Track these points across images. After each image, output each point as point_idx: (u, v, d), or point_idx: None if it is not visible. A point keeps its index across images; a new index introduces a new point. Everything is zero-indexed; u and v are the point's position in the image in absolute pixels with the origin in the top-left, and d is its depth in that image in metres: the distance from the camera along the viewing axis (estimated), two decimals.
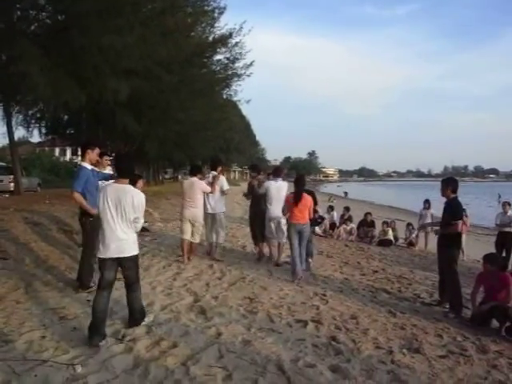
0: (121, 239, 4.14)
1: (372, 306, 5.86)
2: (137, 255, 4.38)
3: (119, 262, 4.20)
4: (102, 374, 3.39)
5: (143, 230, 10.57)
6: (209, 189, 7.90)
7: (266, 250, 8.62)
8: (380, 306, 5.95)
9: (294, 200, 7.23)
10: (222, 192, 8.20)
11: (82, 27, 11.25)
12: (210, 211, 8.15)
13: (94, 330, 4.02)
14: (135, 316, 4.49)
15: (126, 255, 4.19)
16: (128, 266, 4.30)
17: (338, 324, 4.92)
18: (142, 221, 4.38)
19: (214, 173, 8.20)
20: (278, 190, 8.09)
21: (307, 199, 7.32)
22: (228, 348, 3.97)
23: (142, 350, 3.84)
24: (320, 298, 6.05)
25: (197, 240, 8.07)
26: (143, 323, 4.49)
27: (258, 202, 8.45)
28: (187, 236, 7.82)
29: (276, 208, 7.94)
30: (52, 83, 11.38)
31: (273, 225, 8.14)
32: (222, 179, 8.23)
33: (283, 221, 7.94)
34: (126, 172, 4.31)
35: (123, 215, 4.12)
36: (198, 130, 26.43)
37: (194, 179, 7.89)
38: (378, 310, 5.72)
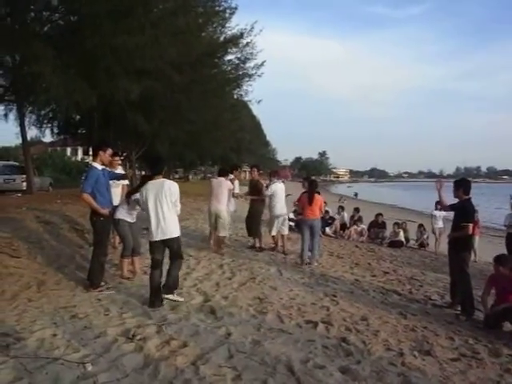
0: (165, 224, 5.14)
1: (383, 308, 5.83)
2: (178, 236, 5.35)
3: (165, 243, 5.22)
4: (112, 372, 3.40)
5: None
6: (232, 187, 9.00)
7: (267, 242, 9.74)
8: (391, 307, 5.91)
9: (308, 200, 8.49)
10: (233, 194, 9.21)
11: (94, 28, 11.32)
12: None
13: (153, 297, 5.14)
14: (169, 283, 5.38)
15: (169, 237, 5.21)
16: (172, 246, 5.31)
17: (349, 325, 4.89)
18: (180, 206, 5.37)
19: (232, 176, 9.36)
20: (282, 190, 9.47)
21: (318, 199, 8.63)
22: (238, 348, 3.97)
23: (152, 349, 3.85)
24: (330, 299, 6.02)
25: (221, 233, 8.80)
26: (172, 297, 5.36)
27: (262, 201, 9.48)
28: (213, 228, 8.89)
29: (282, 206, 9.37)
30: (64, 83, 11.48)
31: (278, 221, 9.30)
32: (236, 183, 9.43)
33: (286, 216, 9.59)
34: (159, 171, 5.42)
35: (164, 203, 5.12)
36: (208, 129, 26.46)
37: (222, 179, 8.90)
38: (388, 311, 5.68)
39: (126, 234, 6.47)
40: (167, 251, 5.44)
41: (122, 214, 6.44)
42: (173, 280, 5.42)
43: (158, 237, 5.17)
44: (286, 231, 9.55)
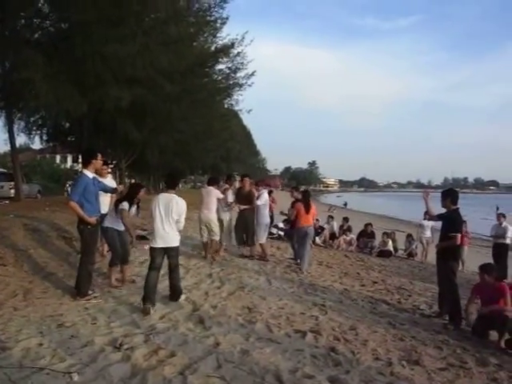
0: (167, 234, 5.56)
1: (371, 317, 5.84)
2: (178, 246, 5.78)
3: (165, 250, 5.64)
4: (99, 382, 3.36)
5: (143, 238, 10.55)
6: (222, 196, 9.11)
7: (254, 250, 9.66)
8: (379, 317, 5.92)
9: (305, 209, 9.07)
10: (228, 203, 9.42)
11: (85, 35, 11.35)
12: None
13: (147, 299, 5.32)
14: (175, 293, 5.83)
15: (170, 245, 5.63)
16: (171, 254, 5.74)
17: (337, 335, 4.89)
18: (183, 222, 5.76)
19: (226, 185, 9.70)
20: (267, 199, 9.90)
21: (313, 208, 9.36)
22: (226, 358, 3.95)
23: (139, 358, 3.81)
24: (319, 308, 6.02)
25: (215, 237, 9.00)
26: (180, 299, 5.77)
27: (252, 210, 9.47)
28: (205, 239, 9.05)
29: (267, 215, 9.84)
30: (54, 90, 11.46)
31: (265, 229, 9.72)
32: (230, 192, 9.55)
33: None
34: (173, 185, 5.96)
35: (169, 215, 5.55)
36: (199, 139, 26.52)
37: (211, 188, 9.01)
38: (377, 321, 5.70)
39: (115, 243, 6.44)
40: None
41: (111, 222, 6.41)
42: (178, 291, 5.90)
43: (159, 244, 5.59)
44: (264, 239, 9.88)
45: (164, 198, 5.69)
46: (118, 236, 6.45)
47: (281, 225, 14.09)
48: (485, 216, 36.64)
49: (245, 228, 9.52)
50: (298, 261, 9.22)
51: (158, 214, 5.58)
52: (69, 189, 27.39)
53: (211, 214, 8.90)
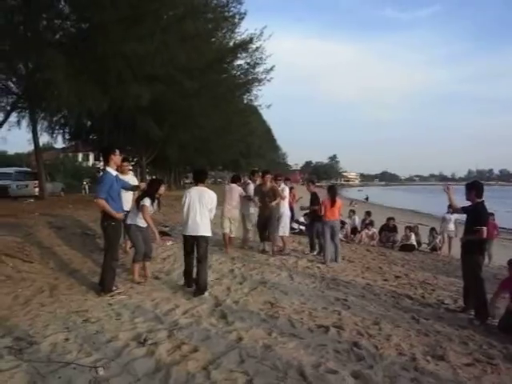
0: (198, 224, 6.04)
1: (395, 312, 5.78)
2: (208, 236, 6.19)
3: (196, 239, 6.08)
4: (124, 377, 3.41)
5: (164, 234, 10.65)
6: (244, 193, 9.58)
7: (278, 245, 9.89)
8: (403, 311, 5.86)
9: (330, 204, 9.36)
10: (249, 197, 9.71)
11: (104, 35, 11.44)
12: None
13: (188, 278, 6.27)
14: (200, 287, 5.98)
15: (201, 234, 6.07)
16: (200, 243, 6.09)
17: (360, 330, 4.86)
18: (215, 211, 6.34)
19: (249, 181, 10.53)
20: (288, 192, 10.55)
21: (339, 202, 9.60)
22: (249, 353, 3.96)
23: (163, 353, 3.85)
24: (342, 303, 5.99)
25: (232, 234, 9.59)
26: (205, 295, 5.90)
27: (277, 205, 9.57)
28: (227, 230, 9.38)
29: (287, 207, 10.15)
30: (76, 90, 11.62)
31: (285, 221, 9.94)
32: (251, 186, 10.05)
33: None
34: (202, 180, 6.50)
35: (202, 207, 6.09)
36: (218, 134, 26.55)
37: (234, 185, 9.56)
38: (400, 315, 5.64)
39: (138, 239, 6.50)
40: None
41: (133, 220, 6.48)
42: (203, 283, 6.07)
43: (189, 232, 6.10)
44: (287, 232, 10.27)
45: (196, 191, 6.26)
46: (140, 233, 6.51)
47: (301, 219, 14.03)
48: (510, 209, 35.94)
49: (266, 224, 9.61)
50: (322, 254, 9.52)
51: (192, 205, 6.12)
52: (86, 186, 27.73)
53: (234, 210, 9.40)
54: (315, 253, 10.09)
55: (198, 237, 6.09)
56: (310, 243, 10.47)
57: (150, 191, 6.60)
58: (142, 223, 6.49)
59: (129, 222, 6.49)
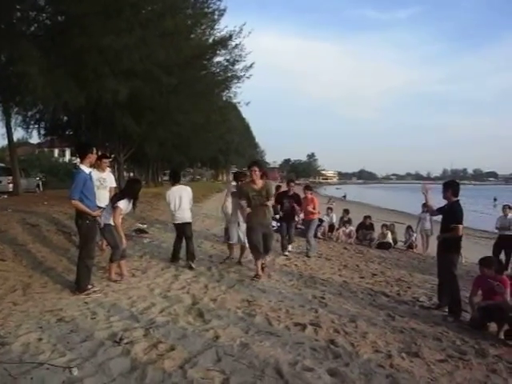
0: (184, 213, 7.88)
1: (371, 310, 5.84)
2: (191, 222, 8.05)
3: (183, 225, 7.88)
4: (99, 376, 3.36)
5: (141, 231, 10.55)
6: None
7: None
8: (379, 309, 5.92)
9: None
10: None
11: (81, 28, 11.25)
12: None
13: (175, 258, 8.03)
14: (192, 256, 7.77)
15: (186, 221, 7.92)
16: (187, 227, 7.95)
17: (337, 327, 4.89)
18: (192, 202, 8.15)
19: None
20: None
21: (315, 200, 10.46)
22: (226, 351, 3.95)
23: (139, 352, 3.81)
24: (319, 301, 6.03)
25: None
26: (192, 264, 7.57)
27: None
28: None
29: None
30: (51, 84, 11.39)
31: None
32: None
33: None
34: (178, 179, 8.45)
35: (185, 200, 7.86)
36: (197, 131, 26.44)
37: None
38: (376, 313, 5.70)
39: (114, 239, 6.41)
40: None
41: (108, 219, 6.38)
42: (193, 252, 7.85)
43: (178, 221, 7.89)
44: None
45: (177, 189, 7.94)
46: (115, 231, 6.42)
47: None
48: (482, 209, 36.79)
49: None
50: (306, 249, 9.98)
51: (176, 201, 7.80)
52: (40, 183, 26.28)
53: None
54: (287, 252, 9.83)
55: (185, 223, 7.88)
56: (282, 243, 9.96)
57: (131, 192, 6.53)
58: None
59: (104, 222, 6.40)
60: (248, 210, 7.20)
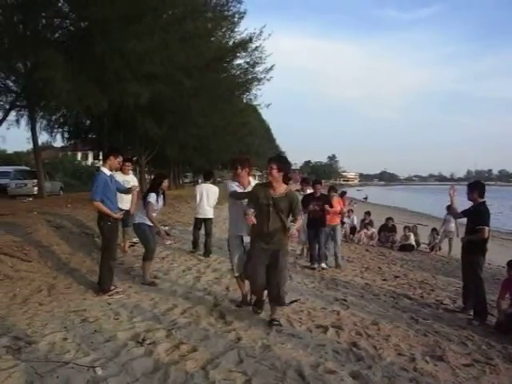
0: (207, 210, 8.77)
1: (394, 312, 5.77)
2: (212, 218, 8.96)
3: (204, 220, 8.84)
4: (122, 376, 3.39)
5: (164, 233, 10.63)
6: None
7: None
8: (402, 312, 5.85)
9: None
10: None
11: (104, 33, 11.43)
12: None
13: (195, 246, 9.03)
14: (209, 250, 8.73)
15: (208, 217, 8.83)
16: (208, 223, 8.88)
17: (359, 330, 4.85)
18: (216, 200, 8.94)
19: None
20: None
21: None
22: (247, 353, 3.95)
23: (161, 353, 3.84)
24: (340, 303, 5.98)
25: None
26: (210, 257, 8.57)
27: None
28: None
29: None
30: (75, 89, 11.60)
31: None
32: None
33: None
34: (209, 178, 9.24)
35: (210, 198, 8.75)
36: (218, 134, 26.54)
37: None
38: (399, 316, 5.63)
39: (148, 238, 6.48)
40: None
41: (141, 218, 6.45)
42: (210, 248, 8.76)
43: (201, 216, 8.82)
44: None
45: (206, 186, 8.90)
46: (149, 231, 6.48)
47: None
48: (507, 211, 35.95)
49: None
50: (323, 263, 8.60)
51: (202, 196, 8.71)
52: (34, 189, 26.45)
53: None
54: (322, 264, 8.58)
55: (206, 219, 8.82)
56: (311, 254, 8.85)
57: (155, 185, 6.60)
58: (149, 221, 6.47)
59: (137, 220, 6.49)
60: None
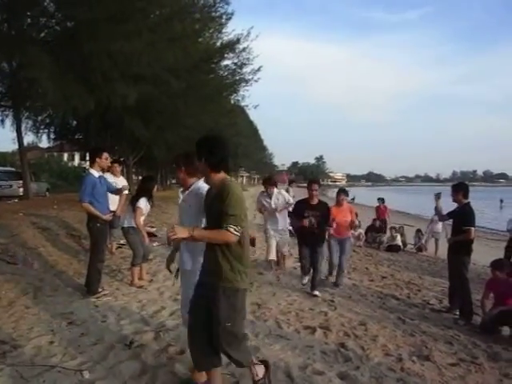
0: None
1: (381, 313, 5.82)
2: None
3: None
4: (110, 380, 3.37)
5: (151, 235, 10.59)
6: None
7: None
8: (389, 312, 5.90)
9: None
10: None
11: (91, 33, 11.33)
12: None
13: None
14: None
15: None
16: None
17: (347, 331, 4.88)
18: None
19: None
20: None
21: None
22: None
23: (149, 356, 3.82)
24: (328, 304, 6.01)
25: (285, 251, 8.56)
26: None
27: None
28: (273, 255, 7.96)
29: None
30: (61, 89, 11.48)
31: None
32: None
33: None
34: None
35: None
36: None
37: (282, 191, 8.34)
38: (386, 316, 5.68)
39: (136, 242, 6.42)
40: None
41: (130, 222, 6.39)
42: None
43: None
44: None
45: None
46: (137, 235, 6.42)
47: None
48: (489, 211, 36.41)
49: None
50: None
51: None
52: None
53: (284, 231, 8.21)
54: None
55: None
56: (302, 270, 6.93)
57: (146, 189, 6.54)
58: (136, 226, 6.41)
59: (126, 224, 6.43)
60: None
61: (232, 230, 2.80)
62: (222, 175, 3.03)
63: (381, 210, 15.20)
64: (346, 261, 7.61)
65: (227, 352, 2.96)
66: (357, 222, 9.20)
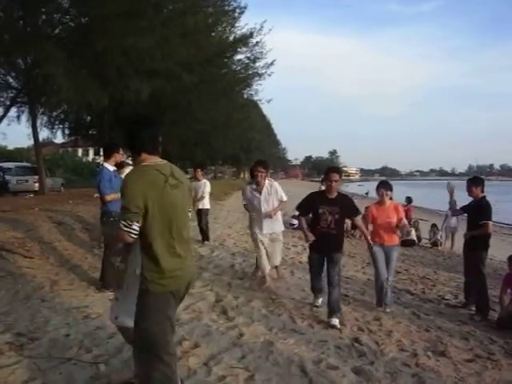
0: (204, 201, 9.95)
1: (395, 308, 5.76)
2: (208, 208, 10.27)
3: (201, 210, 9.88)
4: (126, 373, 3.40)
5: None
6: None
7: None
8: (403, 307, 5.85)
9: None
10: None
11: (104, 29, 11.41)
12: None
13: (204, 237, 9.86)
14: (208, 237, 9.97)
15: (204, 207, 9.98)
16: (204, 212, 9.99)
17: (361, 325, 4.85)
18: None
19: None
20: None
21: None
22: (250, 348, 3.95)
23: None
24: (342, 298, 5.96)
25: (277, 262, 6.76)
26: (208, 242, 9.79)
27: None
28: (266, 264, 6.42)
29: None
30: (76, 85, 11.60)
31: None
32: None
33: None
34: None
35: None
36: (219, 129, 26.50)
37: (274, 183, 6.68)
38: (401, 311, 5.63)
39: None
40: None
41: None
42: (208, 236, 10.00)
43: (199, 207, 9.77)
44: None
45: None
46: None
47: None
48: (499, 204, 35.81)
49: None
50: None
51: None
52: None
53: (276, 223, 6.54)
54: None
55: (202, 209, 9.80)
56: (312, 288, 5.64)
57: None
58: None
59: None
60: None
61: (121, 225, 2.41)
62: (142, 157, 2.62)
63: (408, 211, 14.78)
64: (392, 275, 5.82)
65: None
66: (408, 227, 7.27)
